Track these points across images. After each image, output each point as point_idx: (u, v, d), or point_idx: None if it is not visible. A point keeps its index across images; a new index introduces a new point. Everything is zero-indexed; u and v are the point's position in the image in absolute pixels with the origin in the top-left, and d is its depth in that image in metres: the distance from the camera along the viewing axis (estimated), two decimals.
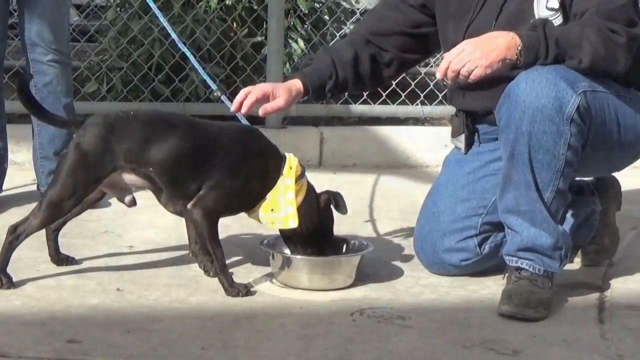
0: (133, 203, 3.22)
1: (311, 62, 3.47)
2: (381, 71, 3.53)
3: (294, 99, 3.34)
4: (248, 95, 3.26)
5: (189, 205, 3.12)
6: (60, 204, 3.09)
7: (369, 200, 4.47)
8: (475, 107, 3.41)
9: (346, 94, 5.13)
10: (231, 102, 3.33)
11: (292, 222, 3.16)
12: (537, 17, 3.19)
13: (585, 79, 3.04)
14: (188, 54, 3.46)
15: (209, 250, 3.17)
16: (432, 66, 5.87)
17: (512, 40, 3.03)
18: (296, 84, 3.35)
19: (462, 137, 3.46)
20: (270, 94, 3.28)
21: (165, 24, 3.48)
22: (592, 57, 3.03)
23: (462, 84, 3.20)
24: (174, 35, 3.48)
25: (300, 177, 3.22)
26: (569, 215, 3.38)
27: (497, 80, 3.13)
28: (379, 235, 3.90)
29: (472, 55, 3.02)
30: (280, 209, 3.16)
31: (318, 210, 3.26)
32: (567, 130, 3.00)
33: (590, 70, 3.04)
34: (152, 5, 3.55)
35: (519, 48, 3.02)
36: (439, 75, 3.09)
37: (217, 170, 3.12)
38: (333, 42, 5.32)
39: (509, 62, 3.03)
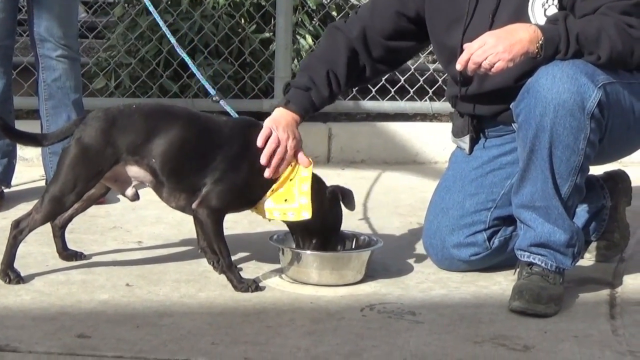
0: (136, 196, 3.21)
1: (303, 79, 3.34)
2: (361, 77, 3.46)
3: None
4: (276, 155, 3.16)
5: (194, 205, 3.11)
6: (62, 199, 3.08)
7: (378, 195, 4.46)
8: (484, 112, 3.38)
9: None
10: (230, 106, 3.35)
11: (306, 214, 3.15)
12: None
13: (602, 71, 3.03)
14: (186, 59, 3.48)
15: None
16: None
17: (534, 34, 3.01)
18: (295, 118, 3.26)
19: (467, 138, 3.43)
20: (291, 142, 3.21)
21: (164, 27, 3.50)
22: (610, 53, 3.02)
23: (472, 92, 3.20)
24: (172, 40, 3.50)
25: None
26: (579, 210, 3.36)
27: (507, 88, 3.15)
28: (388, 231, 3.89)
29: (494, 48, 3.00)
30: (294, 200, 3.15)
31: (326, 204, 3.24)
32: (588, 126, 2.99)
33: (607, 65, 3.04)
34: (151, 9, 3.57)
35: (540, 42, 3.00)
36: (459, 67, 3.07)
37: (219, 162, 3.11)
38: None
39: (530, 55, 3.02)
